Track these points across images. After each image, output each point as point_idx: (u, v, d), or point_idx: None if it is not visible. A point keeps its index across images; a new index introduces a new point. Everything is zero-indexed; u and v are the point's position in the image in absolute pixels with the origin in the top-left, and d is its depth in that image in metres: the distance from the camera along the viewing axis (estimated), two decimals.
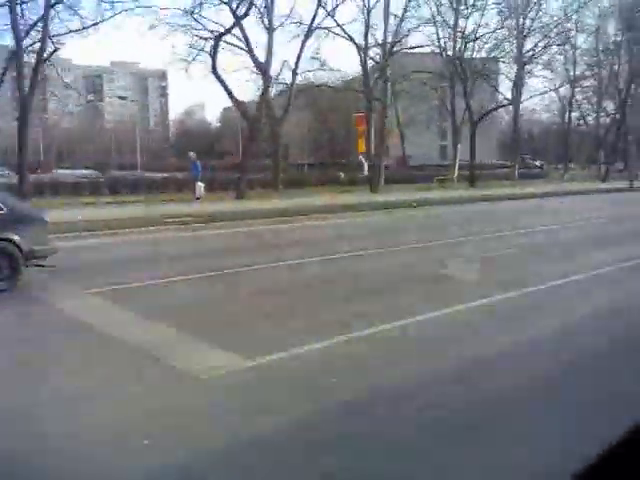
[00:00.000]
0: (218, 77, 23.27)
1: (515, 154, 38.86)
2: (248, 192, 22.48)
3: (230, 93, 24.20)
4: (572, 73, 38.84)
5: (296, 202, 18.94)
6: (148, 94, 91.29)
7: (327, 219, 15.96)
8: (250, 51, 25.20)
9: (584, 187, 29.54)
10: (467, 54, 33.04)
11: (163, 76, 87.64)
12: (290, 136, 54.30)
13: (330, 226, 14.85)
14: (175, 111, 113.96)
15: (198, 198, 19.94)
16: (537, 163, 53.64)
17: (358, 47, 29.94)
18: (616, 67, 39.64)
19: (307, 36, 26.83)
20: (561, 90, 40.61)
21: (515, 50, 35.18)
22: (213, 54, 23.06)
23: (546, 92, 39.80)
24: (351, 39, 29.09)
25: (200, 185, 20.23)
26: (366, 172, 44.18)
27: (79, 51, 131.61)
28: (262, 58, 24.70)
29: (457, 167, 35.83)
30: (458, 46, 31.94)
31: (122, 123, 60.31)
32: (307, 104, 55.84)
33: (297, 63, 27.29)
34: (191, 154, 21.03)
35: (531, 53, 35.55)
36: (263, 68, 25.10)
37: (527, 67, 35.99)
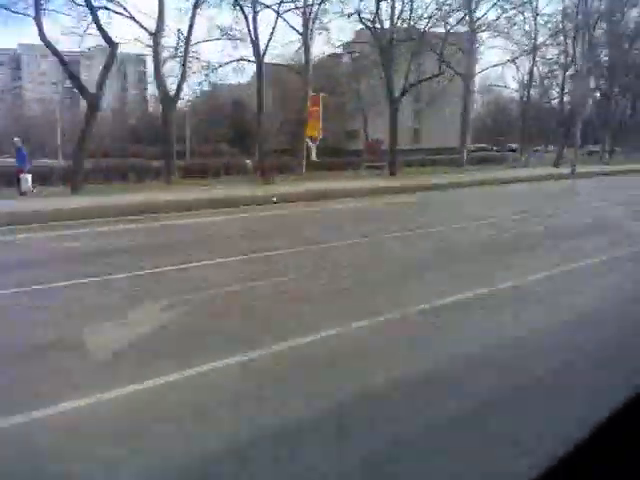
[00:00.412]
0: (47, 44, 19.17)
1: (464, 136, 35.03)
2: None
3: (64, 63, 20.30)
4: (533, 42, 34.51)
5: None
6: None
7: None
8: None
9: (527, 174, 25.89)
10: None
11: None
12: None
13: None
14: None
15: (23, 193, 17.07)
16: (513, 146, 49.67)
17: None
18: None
19: (196, 5, 23.54)
20: (527, 64, 36.58)
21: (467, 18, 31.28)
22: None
23: (499, 64, 35.81)
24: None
25: (27, 177, 17.31)
26: (314, 157, 41.03)
27: None
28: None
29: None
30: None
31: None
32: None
33: (189, 31, 23.92)
34: (16, 139, 18.01)
35: (484, 20, 31.66)
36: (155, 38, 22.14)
37: (480, 36, 32.16)
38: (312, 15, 28.18)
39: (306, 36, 28.97)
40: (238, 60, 29.35)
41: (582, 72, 25.39)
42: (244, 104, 58.63)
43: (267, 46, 25.88)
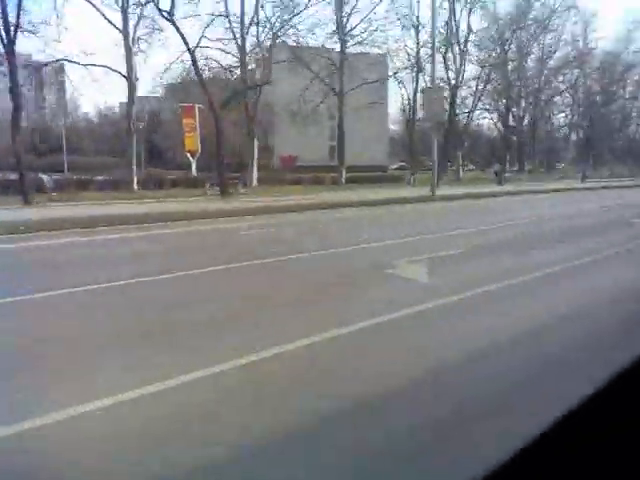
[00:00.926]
0: None
1: (341, 155, 32.69)
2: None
3: None
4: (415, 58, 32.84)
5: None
6: None
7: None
8: None
9: (391, 195, 23.21)
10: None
11: None
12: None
13: None
14: None
15: None
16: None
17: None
18: None
19: None
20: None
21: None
22: None
23: (376, 82, 33.73)
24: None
25: None
26: (194, 172, 37.99)
27: None
28: None
29: (255, 171, 30.02)
30: None
31: None
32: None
33: None
34: None
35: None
36: None
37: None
38: None
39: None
40: None
41: (436, 86, 22.97)
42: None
43: None
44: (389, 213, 18.25)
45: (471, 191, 25.91)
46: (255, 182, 33.01)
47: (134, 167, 28.72)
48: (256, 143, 29.61)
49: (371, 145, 54.78)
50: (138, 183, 28.71)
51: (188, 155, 38.35)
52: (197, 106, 37.58)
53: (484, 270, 7.59)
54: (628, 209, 17.92)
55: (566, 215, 16.47)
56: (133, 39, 27.35)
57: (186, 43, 23.61)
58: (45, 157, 48.26)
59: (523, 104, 49.27)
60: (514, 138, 46.77)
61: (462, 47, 35.36)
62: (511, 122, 46.44)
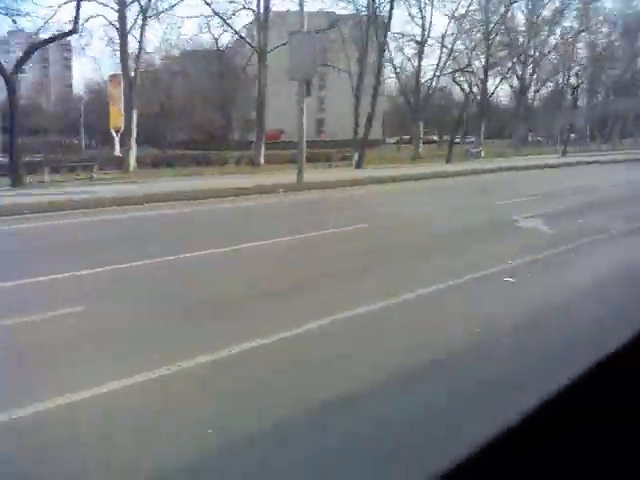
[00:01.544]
0: None
1: (260, 129, 27.94)
2: None
3: None
4: None
5: None
6: None
7: None
8: None
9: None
10: None
11: None
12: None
13: None
14: None
15: None
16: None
17: None
18: None
19: None
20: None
21: None
22: None
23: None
24: None
25: None
26: (117, 152, 33.71)
27: None
28: None
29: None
30: None
31: None
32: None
33: None
34: None
35: None
36: None
37: None
38: None
39: None
40: None
41: (304, 31, 16.37)
42: None
43: None
44: None
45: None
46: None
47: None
48: None
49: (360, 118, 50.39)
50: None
51: (112, 131, 33.94)
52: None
53: None
54: None
55: None
56: None
57: None
58: None
59: (510, 64, 43.08)
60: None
61: None
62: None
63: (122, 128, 34.35)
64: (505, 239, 8.81)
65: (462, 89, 39.36)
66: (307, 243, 8.62)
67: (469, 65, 36.10)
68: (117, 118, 33.96)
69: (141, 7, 24.03)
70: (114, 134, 34.49)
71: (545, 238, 8.69)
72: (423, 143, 38.46)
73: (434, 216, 11.26)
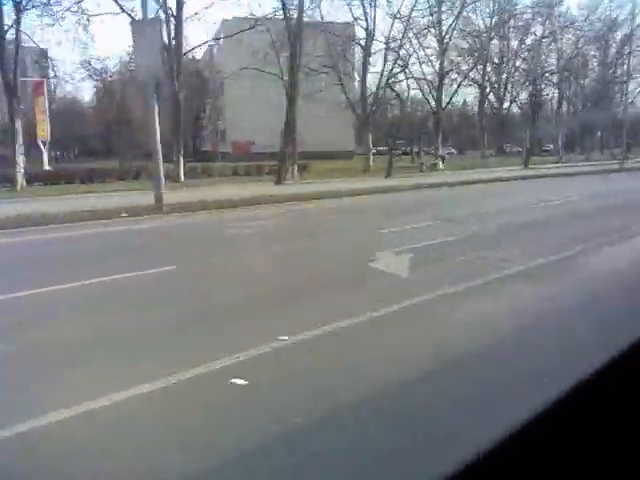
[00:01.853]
0: None
1: (177, 140, 25.60)
2: None
3: None
4: None
5: None
6: None
7: None
8: None
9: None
10: None
11: None
12: None
13: None
14: None
15: None
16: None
17: None
18: None
19: None
20: None
21: None
22: None
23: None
24: None
25: None
26: (46, 165, 31.35)
27: None
28: None
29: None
30: None
31: None
32: None
33: None
34: None
35: None
36: None
37: None
38: None
39: None
40: None
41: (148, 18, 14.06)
42: None
43: None
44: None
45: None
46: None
47: None
48: None
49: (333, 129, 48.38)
50: None
51: (40, 143, 31.57)
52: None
53: None
54: None
55: None
56: None
57: None
58: None
59: (468, 71, 40.99)
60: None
61: None
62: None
63: (48, 139, 31.90)
64: (333, 292, 6.34)
65: (426, 98, 37.44)
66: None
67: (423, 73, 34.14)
68: (43, 129, 31.56)
69: None
70: (42, 147, 32.05)
71: (385, 289, 6.32)
72: (385, 155, 36.39)
73: (272, 255, 8.86)
